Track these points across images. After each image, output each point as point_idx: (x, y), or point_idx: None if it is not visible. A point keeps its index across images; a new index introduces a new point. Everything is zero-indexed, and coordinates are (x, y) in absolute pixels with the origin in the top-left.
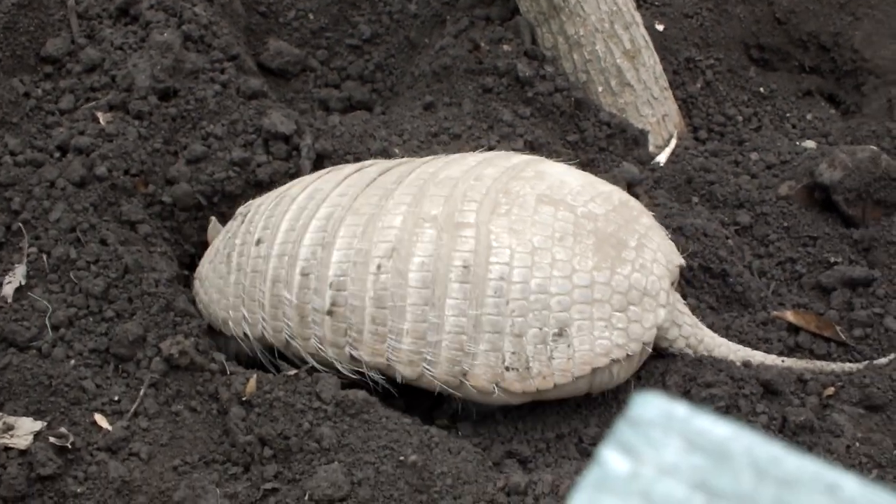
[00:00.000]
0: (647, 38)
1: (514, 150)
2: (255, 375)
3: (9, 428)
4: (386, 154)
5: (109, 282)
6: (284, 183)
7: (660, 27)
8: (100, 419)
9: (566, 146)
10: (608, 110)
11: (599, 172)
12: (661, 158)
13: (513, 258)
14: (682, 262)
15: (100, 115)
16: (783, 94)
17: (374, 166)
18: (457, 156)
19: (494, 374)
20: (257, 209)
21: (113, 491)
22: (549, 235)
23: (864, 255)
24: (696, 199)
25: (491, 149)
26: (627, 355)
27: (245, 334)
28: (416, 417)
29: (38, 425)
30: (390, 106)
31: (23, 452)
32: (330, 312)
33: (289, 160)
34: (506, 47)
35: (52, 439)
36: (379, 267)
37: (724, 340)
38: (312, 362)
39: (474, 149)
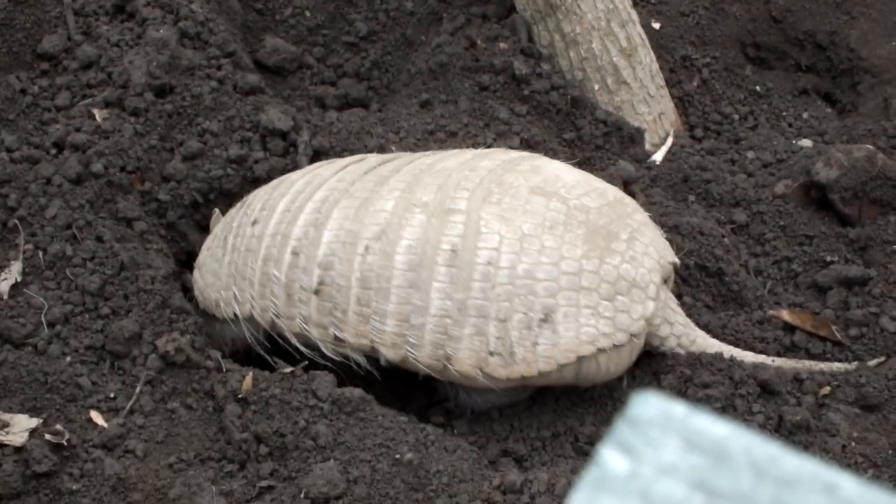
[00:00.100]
0: (644, 36)
1: (510, 147)
2: (251, 373)
3: (4, 425)
4: (383, 151)
5: (105, 279)
6: None
7: (656, 25)
8: (96, 416)
9: (562, 144)
10: (604, 108)
11: (596, 170)
12: (658, 157)
13: (501, 244)
14: (676, 260)
15: (96, 111)
16: (779, 93)
17: (375, 157)
18: (456, 150)
19: (478, 359)
20: (256, 194)
21: (109, 488)
22: (539, 223)
23: (860, 254)
24: (692, 198)
25: (488, 146)
26: (614, 345)
27: (235, 315)
28: (412, 416)
29: (34, 422)
30: (387, 103)
31: (18, 449)
32: (317, 291)
33: (286, 156)
34: (502, 45)
35: (47, 436)
36: (367, 248)
37: (716, 342)
38: (296, 343)
39: (470, 146)
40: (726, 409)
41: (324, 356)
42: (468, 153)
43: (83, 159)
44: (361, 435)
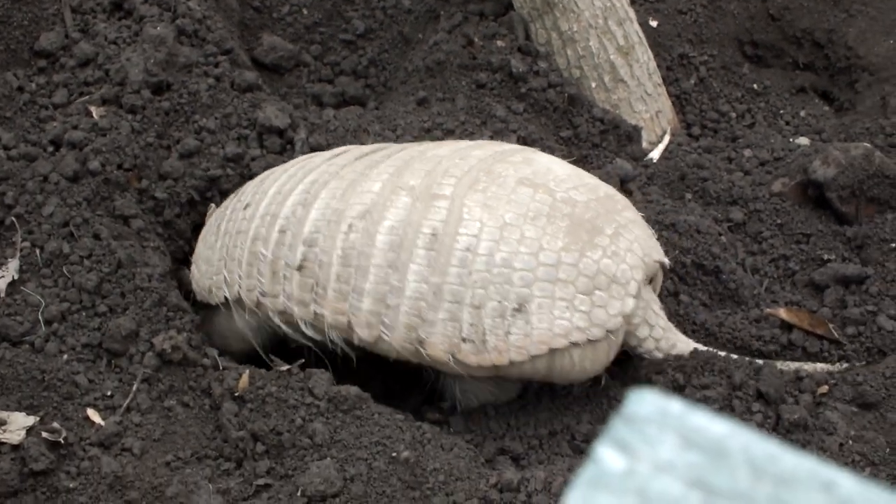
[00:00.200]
0: (641, 34)
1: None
2: (247, 371)
3: (2, 423)
4: None
5: (102, 276)
6: None
7: (653, 23)
8: (92, 414)
9: (559, 142)
10: (601, 106)
11: (592, 168)
12: (655, 155)
13: (481, 231)
14: (664, 260)
15: (93, 109)
16: (777, 91)
17: (368, 146)
18: (450, 140)
19: (451, 345)
20: (249, 183)
21: (105, 486)
22: (521, 214)
23: (857, 252)
24: (689, 196)
25: None
26: (588, 340)
27: (225, 298)
28: (409, 414)
29: (31, 420)
30: (384, 101)
31: (15, 447)
32: (300, 268)
33: (283, 154)
34: (499, 43)
35: (44, 434)
36: (350, 226)
37: (698, 346)
38: (279, 322)
39: None
40: (724, 407)
41: (304, 337)
42: (462, 143)
43: (80, 157)
44: (358, 433)
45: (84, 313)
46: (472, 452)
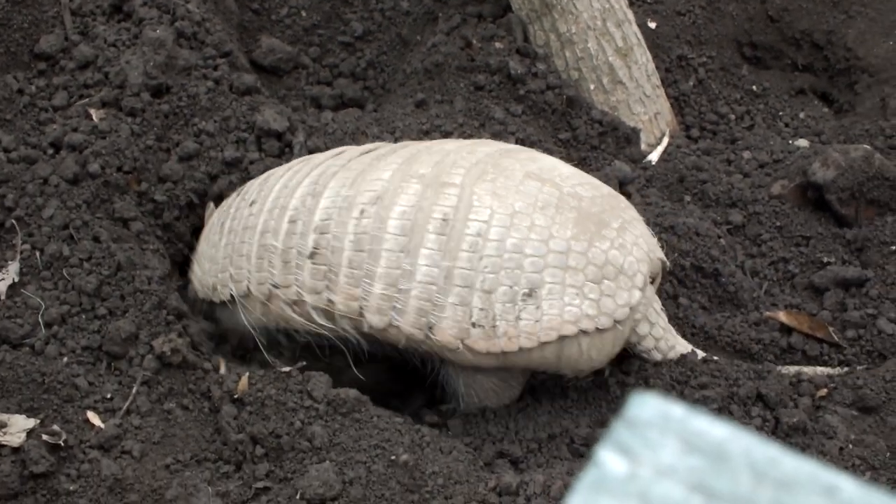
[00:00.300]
0: (640, 35)
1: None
2: (246, 374)
3: (2, 425)
4: None
5: (102, 279)
6: None
7: (652, 25)
8: (92, 417)
9: (558, 144)
10: (600, 108)
11: (591, 171)
12: (653, 157)
13: (492, 217)
14: (665, 259)
15: (93, 111)
16: (776, 93)
17: (371, 144)
18: (455, 139)
19: (461, 330)
20: (252, 182)
21: (105, 489)
22: (531, 203)
23: (857, 255)
24: (688, 198)
25: None
26: (597, 329)
27: (231, 296)
28: (408, 417)
29: (31, 423)
30: (382, 103)
31: (16, 450)
32: (312, 255)
33: (281, 157)
34: (498, 45)
35: (44, 437)
36: (362, 212)
37: (697, 351)
38: (291, 313)
39: None
40: (722, 410)
41: (315, 326)
42: (467, 141)
43: (80, 159)
44: (357, 436)
45: (84, 316)
46: (470, 456)
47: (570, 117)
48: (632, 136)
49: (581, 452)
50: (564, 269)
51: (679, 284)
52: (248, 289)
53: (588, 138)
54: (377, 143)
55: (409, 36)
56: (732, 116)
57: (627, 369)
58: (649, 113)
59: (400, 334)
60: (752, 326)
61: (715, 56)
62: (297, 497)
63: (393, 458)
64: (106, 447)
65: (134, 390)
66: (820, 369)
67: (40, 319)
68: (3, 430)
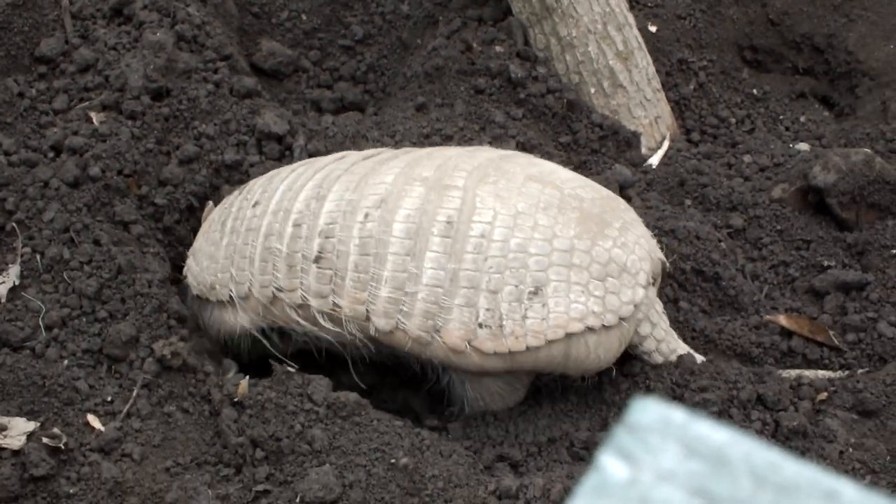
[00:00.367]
0: (640, 39)
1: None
2: (246, 377)
3: (2, 428)
4: None
5: (102, 282)
6: None
7: (653, 28)
8: (93, 420)
9: (558, 148)
10: (600, 112)
11: (592, 174)
12: (654, 160)
13: (495, 218)
14: (665, 260)
15: (93, 115)
16: (776, 96)
17: (374, 150)
18: (454, 146)
19: (467, 331)
20: (255, 181)
21: (105, 492)
22: (533, 204)
23: (857, 258)
24: (688, 202)
25: None
26: (603, 326)
27: (230, 297)
28: (408, 420)
29: (32, 426)
30: (382, 107)
31: (16, 453)
32: (317, 259)
33: (282, 160)
34: (498, 48)
35: (45, 440)
36: (366, 215)
37: (698, 356)
38: (295, 317)
39: None
40: (722, 414)
41: (321, 329)
42: (467, 147)
43: (80, 163)
44: (357, 439)
45: (84, 319)
46: (470, 459)
47: (571, 121)
48: (632, 140)
49: (581, 456)
50: (569, 267)
51: (679, 288)
52: (250, 291)
53: (588, 142)
54: (379, 149)
55: (410, 39)
56: (733, 120)
57: (628, 373)
58: (650, 117)
59: (406, 338)
60: (753, 330)
61: (715, 60)
62: (297, 500)
63: (393, 461)
64: (106, 450)
65: (134, 393)
66: (820, 373)
67: (41, 322)
68: (4, 433)
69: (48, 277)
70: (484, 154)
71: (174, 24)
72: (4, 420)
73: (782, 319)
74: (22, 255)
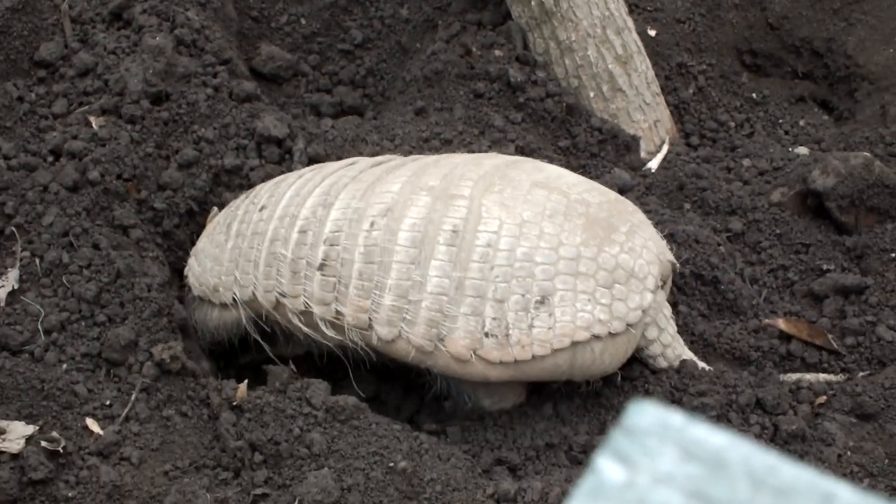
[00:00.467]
0: (639, 43)
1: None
2: (245, 381)
3: (1, 432)
4: None
5: (102, 286)
6: None
7: (652, 32)
8: (91, 423)
9: (557, 152)
10: (600, 116)
11: (591, 178)
12: (653, 164)
13: (501, 228)
14: (675, 261)
15: (92, 119)
16: (776, 100)
17: (382, 157)
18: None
19: (473, 340)
20: (262, 186)
21: (104, 495)
22: (539, 212)
23: (856, 262)
24: (687, 206)
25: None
26: (610, 333)
27: (234, 300)
28: (406, 424)
29: (30, 429)
30: (382, 111)
31: (14, 456)
32: (321, 267)
33: (281, 164)
34: (497, 52)
35: (43, 443)
36: (372, 224)
37: (703, 365)
38: (298, 323)
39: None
40: (721, 417)
41: (323, 337)
42: (472, 154)
43: (80, 167)
44: (355, 443)
45: (83, 323)
46: (469, 463)
47: (570, 125)
48: (631, 144)
49: (579, 460)
50: (575, 275)
51: (678, 292)
52: (254, 295)
53: (588, 146)
54: (388, 156)
55: (409, 44)
56: (732, 124)
57: (627, 376)
58: (649, 121)
59: (409, 346)
60: (752, 334)
61: (715, 64)
62: None
63: (391, 464)
64: (105, 454)
65: (133, 397)
66: (819, 376)
67: (40, 326)
68: (3, 436)
69: (47, 281)
70: (490, 162)
71: (173, 28)
72: (3, 424)
73: (781, 323)
74: (21, 259)
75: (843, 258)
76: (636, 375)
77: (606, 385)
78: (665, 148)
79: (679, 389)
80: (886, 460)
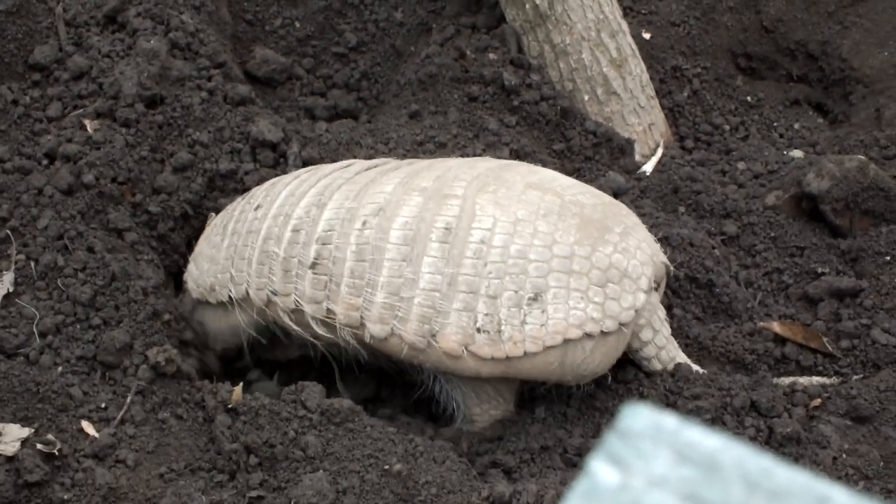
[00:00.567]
0: (634, 46)
1: (500, 158)
2: (240, 384)
3: None
4: None
5: (97, 289)
6: None
7: (646, 35)
8: (87, 426)
9: (552, 155)
10: (594, 119)
11: (585, 181)
12: (648, 168)
13: (495, 225)
14: (669, 263)
15: (87, 122)
16: (770, 103)
17: (377, 160)
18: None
19: (465, 336)
20: (259, 187)
21: (100, 498)
22: (533, 211)
23: (851, 265)
24: (682, 209)
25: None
26: (602, 332)
27: (229, 298)
28: (401, 426)
29: (26, 432)
30: (376, 114)
31: (10, 459)
32: (313, 265)
33: (276, 167)
34: (492, 56)
35: (39, 446)
36: (364, 223)
37: (697, 368)
38: (289, 323)
39: (460, 157)
40: (716, 420)
41: (314, 335)
42: (468, 158)
43: (74, 170)
44: (350, 446)
45: (78, 326)
46: (464, 465)
47: (565, 128)
48: (626, 147)
49: (574, 462)
50: (569, 273)
51: (673, 295)
52: (247, 292)
53: (582, 149)
54: (383, 159)
55: (403, 47)
56: (727, 127)
57: (622, 379)
58: (643, 124)
59: (401, 343)
60: (746, 337)
61: (709, 67)
62: None
63: (386, 467)
64: (100, 456)
65: (128, 400)
66: (814, 379)
67: (35, 329)
68: None
69: (42, 284)
70: (484, 164)
71: (168, 31)
72: None
73: (776, 326)
74: (16, 262)
75: (837, 261)
76: (630, 378)
77: (601, 388)
78: (660, 151)
79: (673, 392)
80: (881, 463)
